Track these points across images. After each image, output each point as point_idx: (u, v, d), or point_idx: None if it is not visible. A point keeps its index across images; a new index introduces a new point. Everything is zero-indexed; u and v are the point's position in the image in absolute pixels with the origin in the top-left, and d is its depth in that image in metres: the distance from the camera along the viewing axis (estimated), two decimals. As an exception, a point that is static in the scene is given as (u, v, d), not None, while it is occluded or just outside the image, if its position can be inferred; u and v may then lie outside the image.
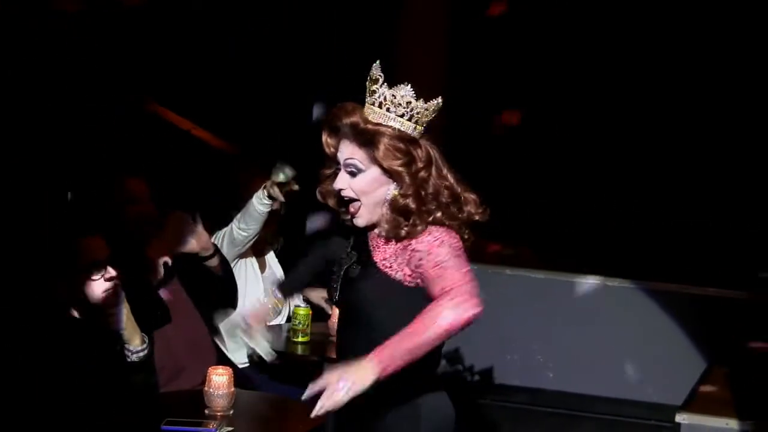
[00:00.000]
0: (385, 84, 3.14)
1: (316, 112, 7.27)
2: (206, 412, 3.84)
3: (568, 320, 7.12)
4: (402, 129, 3.13)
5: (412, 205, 3.11)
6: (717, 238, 7.63)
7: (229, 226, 5.20)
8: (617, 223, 7.92)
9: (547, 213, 8.05)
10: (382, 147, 3.10)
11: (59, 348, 3.69)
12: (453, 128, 6.71)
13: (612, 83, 7.99)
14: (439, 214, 3.12)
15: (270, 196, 5.05)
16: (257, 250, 5.43)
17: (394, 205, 3.14)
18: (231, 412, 3.87)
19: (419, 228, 3.10)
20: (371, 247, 3.20)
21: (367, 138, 3.12)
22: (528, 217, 7.98)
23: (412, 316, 2.96)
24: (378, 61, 3.17)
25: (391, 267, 3.13)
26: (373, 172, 3.15)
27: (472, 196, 3.20)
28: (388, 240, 3.15)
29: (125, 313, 3.79)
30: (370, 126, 3.12)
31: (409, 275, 3.10)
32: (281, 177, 5.08)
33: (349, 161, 3.15)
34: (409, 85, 3.15)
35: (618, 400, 6.98)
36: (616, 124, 8.03)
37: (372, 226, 3.22)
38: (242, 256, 5.29)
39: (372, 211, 3.18)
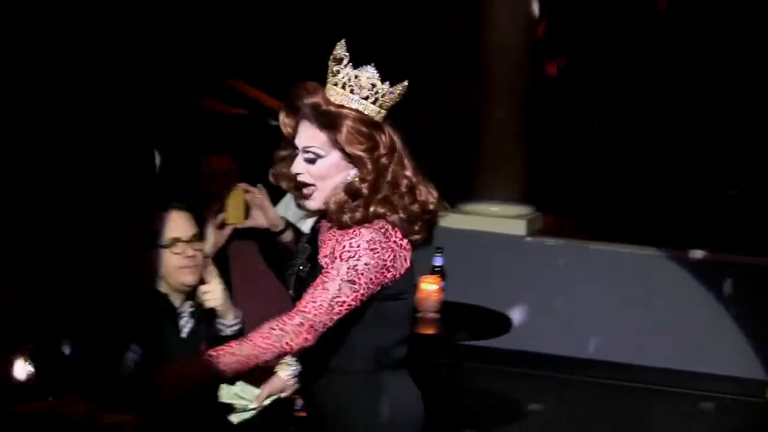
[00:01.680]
0: (350, 64, 2.98)
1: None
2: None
3: (637, 294, 7.01)
4: (366, 112, 2.97)
5: (365, 191, 2.95)
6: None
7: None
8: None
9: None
10: (344, 130, 2.94)
11: (148, 323, 3.72)
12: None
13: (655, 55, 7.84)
14: (387, 204, 2.96)
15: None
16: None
17: (348, 189, 2.98)
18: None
19: (358, 215, 2.94)
20: (319, 242, 3.08)
21: (328, 120, 2.96)
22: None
23: (356, 318, 2.94)
24: (343, 40, 3.01)
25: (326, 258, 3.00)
26: (333, 157, 2.99)
27: (429, 189, 3.05)
28: (333, 231, 3.01)
29: (220, 287, 3.75)
30: (332, 108, 2.96)
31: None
32: None
33: (309, 148, 2.99)
34: (374, 66, 2.99)
35: (701, 374, 6.86)
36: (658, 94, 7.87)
37: (325, 214, 3.09)
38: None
39: (327, 195, 3.02)
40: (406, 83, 3.02)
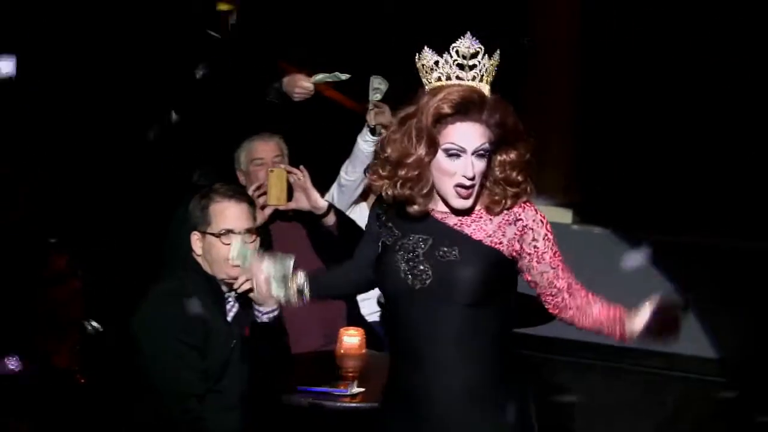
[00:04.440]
0: (486, 55, 2.93)
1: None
2: (337, 372, 3.82)
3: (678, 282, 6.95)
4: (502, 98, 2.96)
5: (522, 177, 2.94)
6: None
7: (339, 175, 5.16)
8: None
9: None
10: (512, 122, 2.91)
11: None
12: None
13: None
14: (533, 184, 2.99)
15: (373, 132, 4.96)
16: (364, 194, 5.25)
17: (506, 179, 2.93)
18: (362, 372, 3.84)
19: (525, 197, 2.95)
20: (455, 227, 2.95)
21: (494, 117, 2.89)
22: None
23: (510, 288, 2.99)
24: (468, 33, 2.93)
25: (501, 243, 2.93)
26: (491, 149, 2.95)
27: None
28: (477, 215, 2.95)
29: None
30: (490, 103, 2.89)
31: (517, 251, 2.94)
32: (377, 93, 5.02)
33: (483, 146, 2.89)
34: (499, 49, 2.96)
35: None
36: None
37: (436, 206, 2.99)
38: (354, 202, 5.22)
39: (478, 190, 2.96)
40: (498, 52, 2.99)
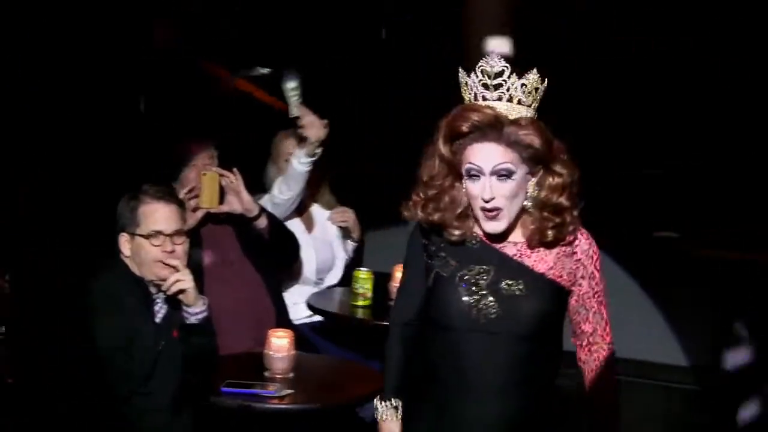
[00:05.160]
0: (514, 74, 2.86)
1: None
2: (266, 374, 3.82)
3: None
4: (535, 117, 2.90)
5: (566, 203, 2.90)
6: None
7: (271, 190, 5.13)
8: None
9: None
10: (540, 144, 2.83)
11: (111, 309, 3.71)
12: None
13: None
14: (576, 214, 2.95)
15: (308, 154, 4.94)
16: (299, 210, 5.28)
17: (545, 204, 2.89)
18: (291, 374, 3.85)
19: (570, 228, 2.92)
20: (515, 256, 2.94)
21: (517, 138, 2.83)
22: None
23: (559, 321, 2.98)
24: (495, 51, 2.98)
25: (561, 276, 2.95)
26: (522, 173, 2.87)
27: None
28: (536, 246, 2.93)
29: (189, 276, 3.77)
30: (513, 125, 2.83)
31: (569, 282, 2.97)
32: (294, 96, 4.97)
33: (502, 166, 2.83)
34: (535, 69, 2.88)
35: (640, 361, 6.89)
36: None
37: (493, 237, 2.95)
38: (288, 218, 5.20)
39: (513, 214, 2.91)
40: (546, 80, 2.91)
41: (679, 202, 7.21)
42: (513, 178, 2.85)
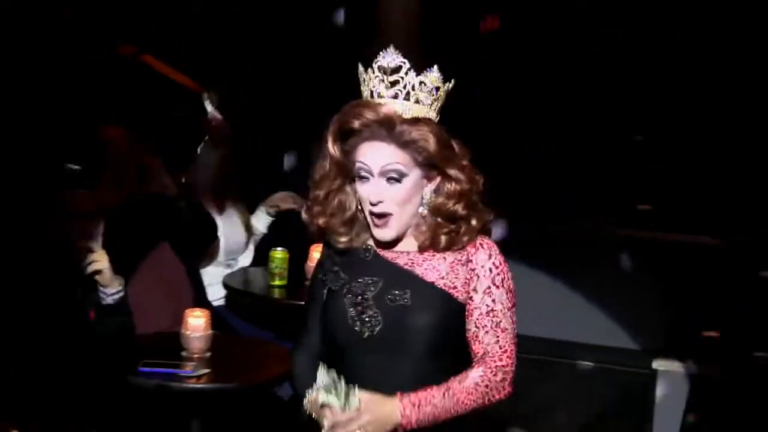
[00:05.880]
0: (412, 71, 2.68)
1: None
2: (183, 354, 3.83)
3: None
4: (435, 120, 2.71)
5: (462, 211, 2.70)
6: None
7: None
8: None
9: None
10: (433, 145, 2.64)
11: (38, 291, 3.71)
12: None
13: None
14: (479, 221, 2.72)
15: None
16: (213, 194, 5.33)
17: (439, 210, 2.71)
18: (208, 354, 3.86)
19: (465, 238, 2.71)
20: (406, 267, 2.73)
21: (408, 137, 2.64)
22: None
23: (462, 338, 2.72)
24: (392, 47, 2.69)
25: (454, 287, 2.71)
26: (415, 176, 2.69)
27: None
28: (430, 254, 2.73)
29: (105, 257, 3.77)
30: (407, 123, 2.64)
31: (465, 294, 2.71)
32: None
33: (391, 167, 2.65)
34: (437, 66, 2.72)
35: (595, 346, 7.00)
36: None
37: (385, 245, 2.77)
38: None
39: (405, 221, 2.72)
40: (452, 80, 2.74)
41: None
42: (404, 181, 2.68)
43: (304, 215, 2.80)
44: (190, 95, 5.99)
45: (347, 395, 2.60)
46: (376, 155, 2.66)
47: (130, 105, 5.61)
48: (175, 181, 4.84)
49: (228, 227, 5.32)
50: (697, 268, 6.62)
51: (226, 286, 4.96)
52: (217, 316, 4.43)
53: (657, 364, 4.69)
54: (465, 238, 2.71)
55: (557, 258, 7.06)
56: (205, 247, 5.07)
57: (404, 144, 2.65)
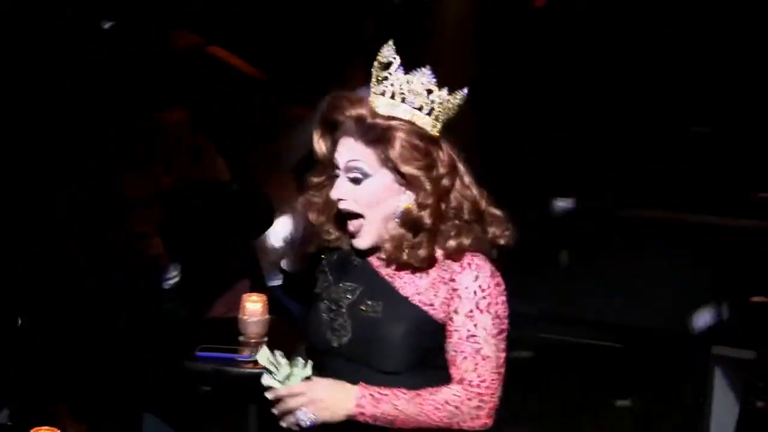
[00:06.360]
0: (401, 69, 2.52)
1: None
2: (240, 339, 3.85)
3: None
4: (419, 124, 2.51)
5: (427, 221, 2.49)
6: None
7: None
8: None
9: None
10: (397, 145, 2.47)
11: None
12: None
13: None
14: (461, 238, 2.51)
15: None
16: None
17: (405, 218, 2.52)
18: (265, 339, 3.87)
19: (422, 253, 2.49)
20: (386, 277, 2.57)
21: (377, 134, 2.48)
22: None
23: (443, 358, 2.53)
24: (391, 41, 2.53)
25: (431, 304, 2.51)
26: (383, 178, 2.52)
27: (497, 213, 2.58)
28: (414, 269, 2.53)
29: (158, 240, 3.80)
30: (380, 120, 2.49)
31: (444, 313, 2.51)
32: None
33: (353, 164, 2.51)
34: (430, 69, 2.54)
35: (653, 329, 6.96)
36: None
37: (371, 251, 2.60)
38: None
39: (380, 229, 2.54)
40: (465, 91, 2.56)
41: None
42: (366, 181, 2.51)
43: (299, 203, 2.69)
44: (256, 83, 6.02)
45: (289, 376, 2.49)
46: (342, 150, 2.52)
47: (190, 93, 5.62)
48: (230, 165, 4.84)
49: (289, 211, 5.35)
50: (757, 253, 6.57)
51: (282, 271, 4.98)
52: (274, 300, 4.45)
53: (717, 350, 4.64)
54: (424, 254, 2.50)
55: (615, 242, 7.04)
56: (262, 231, 5.08)
57: (371, 142, 2.50)
